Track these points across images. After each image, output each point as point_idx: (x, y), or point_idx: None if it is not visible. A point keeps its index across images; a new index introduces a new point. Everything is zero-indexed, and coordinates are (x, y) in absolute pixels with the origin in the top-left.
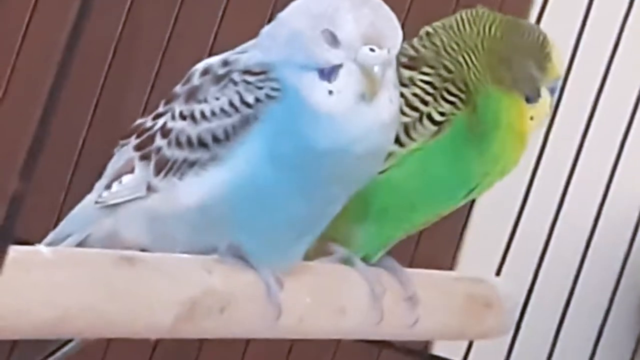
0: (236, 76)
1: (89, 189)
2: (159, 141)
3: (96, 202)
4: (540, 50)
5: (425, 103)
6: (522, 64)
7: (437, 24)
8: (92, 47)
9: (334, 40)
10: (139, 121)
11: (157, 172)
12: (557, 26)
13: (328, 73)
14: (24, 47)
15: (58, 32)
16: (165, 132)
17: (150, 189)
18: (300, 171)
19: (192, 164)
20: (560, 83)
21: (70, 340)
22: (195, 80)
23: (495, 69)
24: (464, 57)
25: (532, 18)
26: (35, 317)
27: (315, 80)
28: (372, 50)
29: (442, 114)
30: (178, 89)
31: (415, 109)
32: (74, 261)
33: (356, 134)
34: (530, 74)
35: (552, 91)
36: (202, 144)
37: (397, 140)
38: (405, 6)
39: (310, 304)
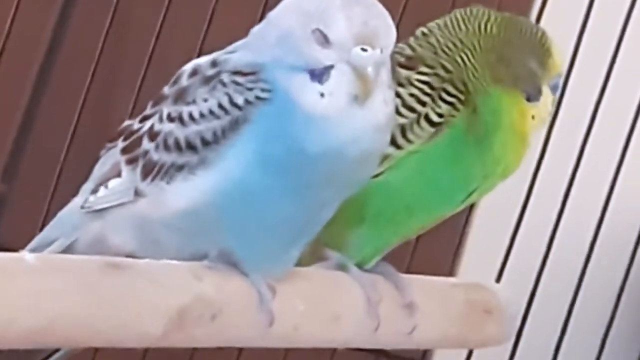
0: (225, 77)
1: (75, 193)
2: (147, 144)
3: (82, 207)
4: (539, 46)
5: (423, 104)
6: (522, 60)
7: (431, 24)
8: (79, 46)
9: (325, 40)
10: (126, 123)
11: (145, 176)
12: (558, 25)
13: (319, 74)
14: (7, 47)
15: (41, 31)
16: (152, 134)
17: (137, 193)
18: (292, 175)
19: (180, 168)
20: (562, 80)
21: (57, 350)
22: (184, 81)
23: (494, 67)
24: (461, 57)
25: (532, 17)
26: (20, 326)
27: (306, 82)
28: (364, 50)
29: (440, 115)
30: (166, 90)
31: (412, 109)
32: (59, 268)
33: (349, 137)
34: (531, 70)
35: (553, 88)
36: (191, 147)
37: (394, 142)
38: (400, 5)
39: (304, 312)
